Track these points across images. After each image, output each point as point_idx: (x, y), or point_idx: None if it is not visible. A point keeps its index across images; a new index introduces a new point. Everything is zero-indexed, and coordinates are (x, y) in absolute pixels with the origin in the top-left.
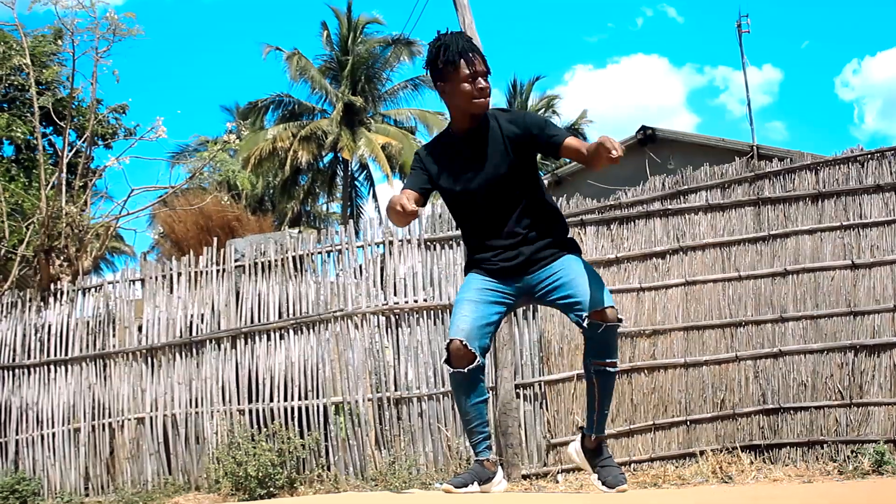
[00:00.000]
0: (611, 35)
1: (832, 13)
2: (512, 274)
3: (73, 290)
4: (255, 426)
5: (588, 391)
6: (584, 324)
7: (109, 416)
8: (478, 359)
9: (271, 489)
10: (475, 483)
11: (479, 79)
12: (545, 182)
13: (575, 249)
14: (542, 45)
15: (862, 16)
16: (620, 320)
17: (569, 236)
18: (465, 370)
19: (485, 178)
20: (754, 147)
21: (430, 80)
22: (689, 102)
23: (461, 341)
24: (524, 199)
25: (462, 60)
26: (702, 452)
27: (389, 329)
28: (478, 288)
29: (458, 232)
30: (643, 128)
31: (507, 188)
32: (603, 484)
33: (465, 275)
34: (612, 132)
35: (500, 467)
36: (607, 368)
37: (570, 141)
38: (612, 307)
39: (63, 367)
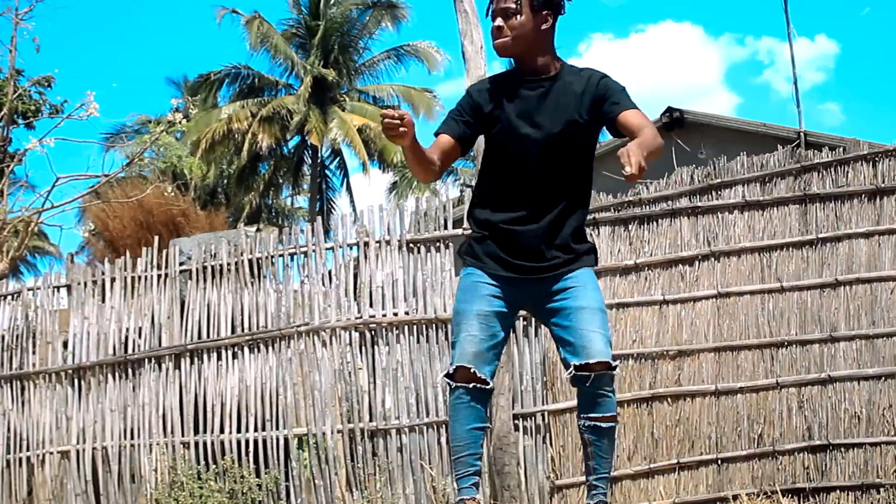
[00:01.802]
0: None
1: None
2: (521, 269)
3: None
4: (203, 462)
5: (583, 451)
6: (570, 373)
7: (28, 449)
8: (485, 384)
9: None
10: None
11: (498, 18)
12: None
13: (594, 258)
14: None
15: None
16: (614, 367)
17: (589, 239)
18: (470, 385)
19: (541, 139)
20: (801, 133)
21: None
22: (727, 80)
23: (471, 370)
24: (569, 177)
25: None
26: (735, 497)
27: (364, 347)
28: (484, 295)
29: (448, 232)
30: (669, 109)
31: (560, 159)
32: None
33: (464, 256)
34: None
35: None
36: (599, 424)
37: (627, 117)
38: (606, 361)
39: None
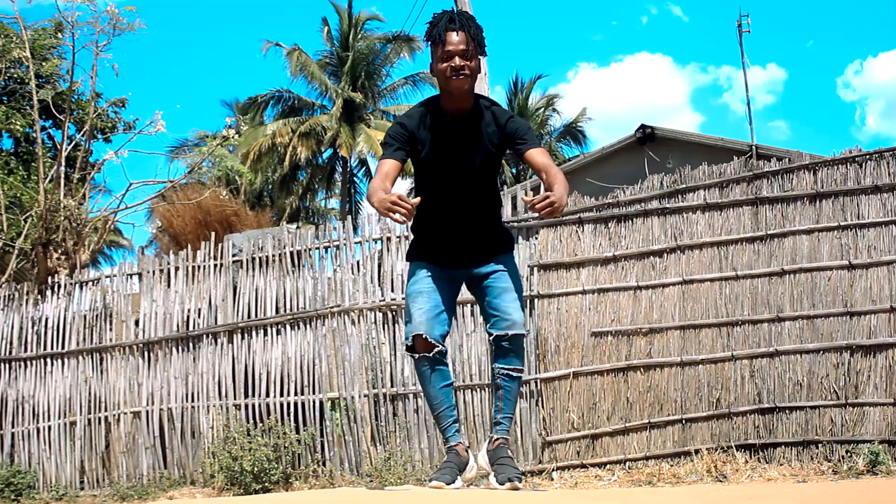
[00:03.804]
0: (615, 33)
1: (836, 13)
2: (456, 263)
3: (71, 284)
4: (251, 421)
5: (493, 394)
6: (491, 338)
7: (105, 410)
8: (439, 346)
9: (266, 484)
10: (458, 477)
11: (456, 57)
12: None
13: (511, 246)
14: (546, 44)
15: (864, 17)
16: (525, 333)
17: (505, 228)
18: (431, 354)
19: (464, 168)
20: (753, 147)
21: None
22: (692, 101)
23: (423, 336)
24: (487, 193)
25: (442, 37)
26: (697, 451)
27: (386, 325)
28: (426, 276)
29: None
30: (642, 126)
31: (479, 182)
32: (497, 482)
33: (408, 260)
34: (612, 131)
35: (469, 453)
36: (511, 373)
37: (533, 155)
38: (520, 330)
39: (60, 361)
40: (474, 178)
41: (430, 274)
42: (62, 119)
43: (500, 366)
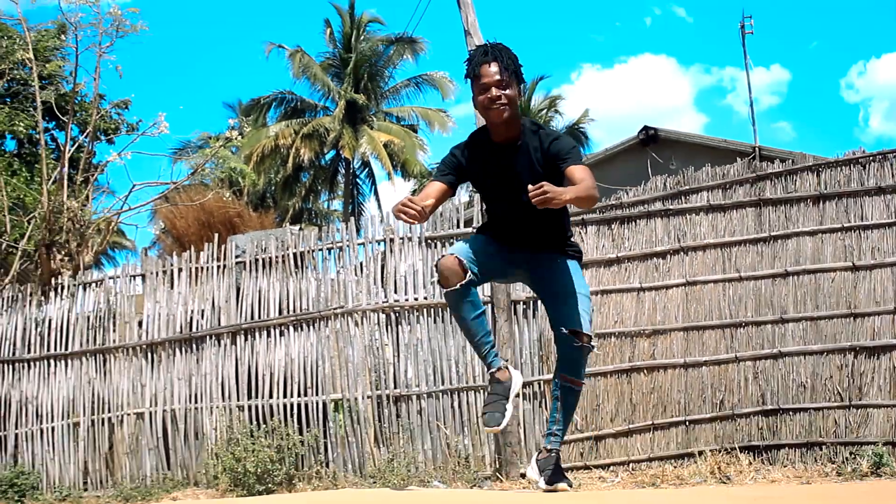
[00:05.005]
0: (619, 35)
1: (840, 14)
2: (520, 246)
3: (74, 285)
4: (255, 422)
5: (552, 404)
6: (559, 333)
7: (109, 411)
8: (469, 274)
9: (269, 485)
10: (507, 406)
11: (492, 88)
12: None
13: (580, 256)
14: (549, 44)
15: (867, 18)
16: (593, 347)
17: (574, 241)
18: (459, 286)
19: (514, 195)
20: (756, 148)
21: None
22: (696, 103)
23: (454, 255)
24: (545, 216)
25: (477, 72)
26: (700, 453)
27: (389, 326)
28: (484, 240)
29: (460, 230)
30: (645, 128)
31: (533, 207)
32: (545, 483)
33: (475, 230)
34: (615, 132)
35: (510, 369)
36: (573, 387)
37: (572, 171)
38: (590, 335)
39: (63, 362)
40: (526, 203)
41: (489, 240)
42: (65, 120)
43: (564, 375)
